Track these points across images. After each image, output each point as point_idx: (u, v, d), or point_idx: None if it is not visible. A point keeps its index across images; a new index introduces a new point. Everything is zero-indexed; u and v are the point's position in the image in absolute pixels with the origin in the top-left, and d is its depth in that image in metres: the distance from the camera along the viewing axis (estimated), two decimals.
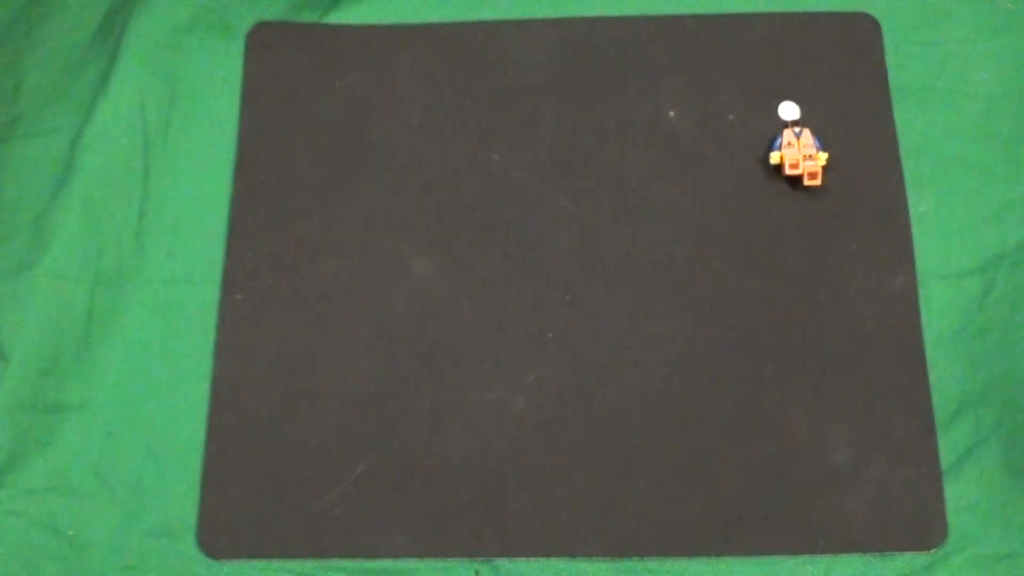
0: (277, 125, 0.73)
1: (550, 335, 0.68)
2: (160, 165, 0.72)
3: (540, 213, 0.70)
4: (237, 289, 0.69)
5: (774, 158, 0.69)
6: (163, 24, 0.74)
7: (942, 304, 0.68)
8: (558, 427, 0.66)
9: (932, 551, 0.63)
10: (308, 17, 0.76)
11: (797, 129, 0.70)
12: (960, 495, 0.64)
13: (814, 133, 0.70)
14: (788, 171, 0.69)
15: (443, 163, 0.72)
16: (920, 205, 0.70)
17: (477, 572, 0.64)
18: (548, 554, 0.64)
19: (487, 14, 0.75)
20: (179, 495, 0.65)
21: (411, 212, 0.70)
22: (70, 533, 0.65)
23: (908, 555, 0.63)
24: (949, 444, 0.65)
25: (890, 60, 0.72)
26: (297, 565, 0.64)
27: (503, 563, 0.64)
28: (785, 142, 0.69)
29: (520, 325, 0.68)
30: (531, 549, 0.64)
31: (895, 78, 0.72)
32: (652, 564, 0.64)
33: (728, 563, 0.63)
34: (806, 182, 0.69)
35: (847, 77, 0.72)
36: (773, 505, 0.64)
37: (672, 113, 0.72)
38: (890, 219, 0.69)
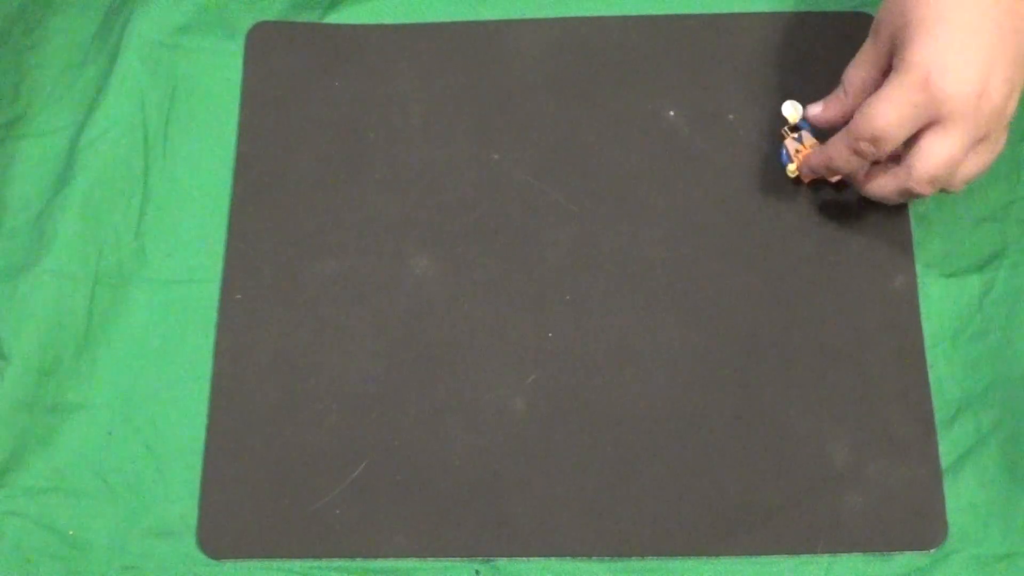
0: (277, 125, 0.73)
1: (550, 335, 0.68)
2: (160, 165, 0.72)
3: (540, 213, 0.70)
4: (237, 289, 0.69)
5: (791, 170, 0.69)
6: (163, 24, 0.74)
7: (942, 304, 0.68)
8: (558, 427, 0.66)
9: (932, 551, 0.63)
10: (308, 17, 0.76)
11: (797, 135, 0.70)
12: (960, 495, 0.64)
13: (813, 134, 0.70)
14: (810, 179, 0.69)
15: (443, 163, 0.72)
16: (920, 205, 0.70)
17: (477, 572, 0.64)
18: (548, 554, 0.64)
19: (487, 14, 0.75)
20: (179, 495, 0.65)
21: (411, 212, 0.71)
22: (70, 533, 0.65)
23: (908, 555, 0.63)
24: (949, 444, 0.65)
25: None
26: (297, 565, 0.64)
27: (503, 563, 0.64)
28: (792, 151, 0.69)
29: (520, 325, 0.68)
30: (531, 549, 0.64)
31: None
32: (652, 564, 0.64)
33: (728, 563, 0.63)
34: (833, 179, 0.69)
35: None
36: (773, 505, 0.64)
37: (672, 113, 0.72)
38: (890, 219, 0.69)
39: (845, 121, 0.65)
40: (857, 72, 0.65)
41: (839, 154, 0.64)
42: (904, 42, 0.60)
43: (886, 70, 0.62)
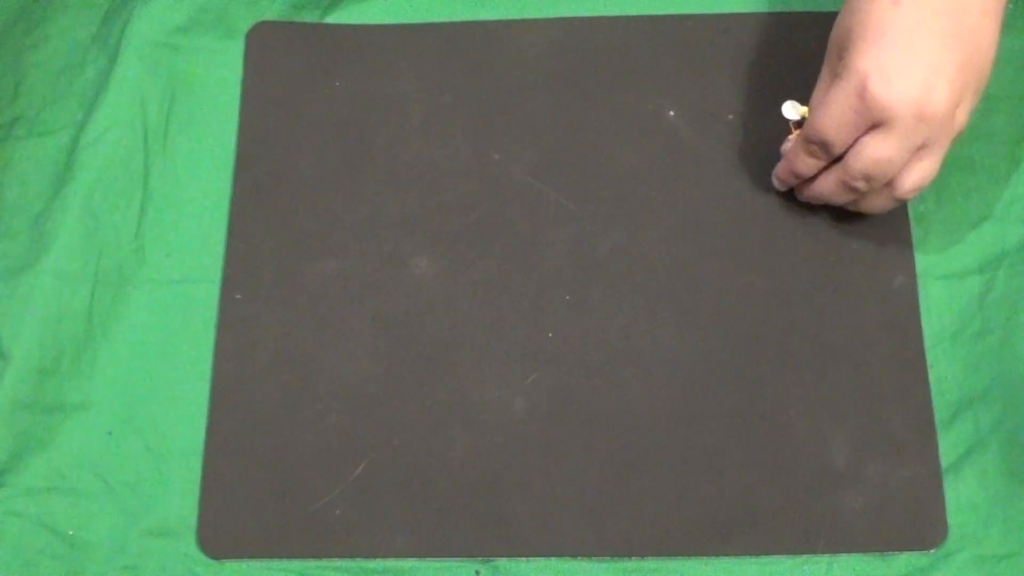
0: (277, 125, 0.73)
1: (550, 335, 0.68)
2: (160, 165, 0.72)
3: (540, 213, 0.70)
4: (237, 289, 0.69)
5: None
6: (163, 24, 0.74)
7: (942, 304, 0.68)
8: (558, 427, 0.66)
9: (932, 551, 0.63)
10: (308, 17, 0.76)
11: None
12: (960, 495, 0.64)
13: None
14: None
15: (443, 163, 0.72)
16: (920, 205, 0.70)
17: (477, 572, 0.64)
18: (548, 554, 0.64)
19: (487, 14, 0.75)
20: (179, 495, 0.65)
21: (411, 212, 0.71)
22: (70, 533, 0.65)
23: (908, 555, 0.63)
24: (949, 444, 0.65)
25: None
26: (297, 565, 0.64)
27: (503, 563, 0.64)
28: None
29: (520, 325, 0.68)
30: (531, 549, 0.64)
31: None
32: (652, 564, 0.64)
33: (728, 563, 0.63)
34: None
35: None
36: (773, 505, 0.64)
37: (672, 113, 0.72)
38: (890, 219, 0.69)
39: None
40: (817, 95, 0.66)
41: (798, 159, 0.66)
42: (848, 51, 0.61)
43: None
